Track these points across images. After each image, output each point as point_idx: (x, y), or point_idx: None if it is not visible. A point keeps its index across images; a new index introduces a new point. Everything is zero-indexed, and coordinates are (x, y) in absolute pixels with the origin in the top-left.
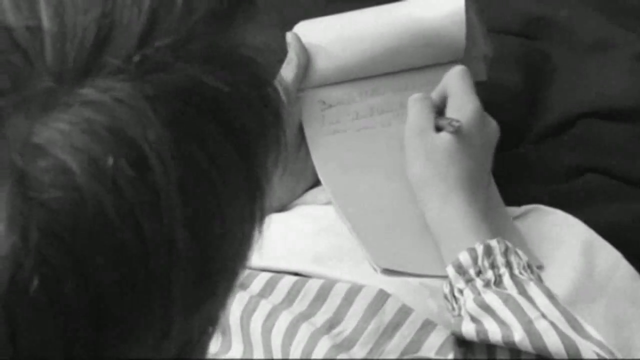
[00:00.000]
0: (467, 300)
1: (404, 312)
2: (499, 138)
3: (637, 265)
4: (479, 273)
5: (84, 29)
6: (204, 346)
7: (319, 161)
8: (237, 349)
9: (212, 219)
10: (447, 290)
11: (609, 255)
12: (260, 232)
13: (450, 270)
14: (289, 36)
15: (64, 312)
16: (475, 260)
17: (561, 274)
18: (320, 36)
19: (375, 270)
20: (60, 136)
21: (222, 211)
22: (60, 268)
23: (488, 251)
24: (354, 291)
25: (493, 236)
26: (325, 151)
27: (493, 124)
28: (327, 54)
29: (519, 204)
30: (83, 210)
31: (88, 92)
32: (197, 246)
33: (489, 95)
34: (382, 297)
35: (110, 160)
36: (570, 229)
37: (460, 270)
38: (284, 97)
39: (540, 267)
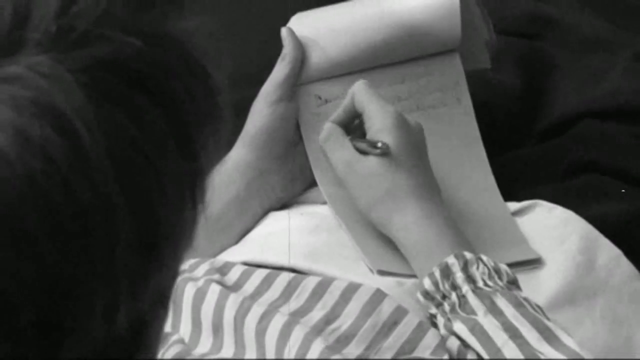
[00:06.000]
0: (440, 326)
1: (401, 312)
2: (500, 138)
3: (637, 263)
4: (444, 297)
5: (0, 8)
6: (157, 328)
7: (314, 159)
8: (228, 350)
9: (145, 180)
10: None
11: (609, 253)
12: (202, 204)
13: (420, 298)
14: (283, 31)
15: (5, 290)
16: (437, 285)
17: (560, 270)
18: (315, 30)
19: (371, 271)
20: None
21: (156, 173)
22: None
23: (445, 273)
24: (351, 289)
25: (458, 243)
26: (321, 149)
27: (415, 124)
28: (321, 48)
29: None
30: (15, 183)
31: (10, 69)
32: (134, 209)
33: (489, 95)
34: (379, 296)
35: (37, 130)
36: (570, 225)
37: (428, 296)
38: (216, 74)
39: (539, 262)
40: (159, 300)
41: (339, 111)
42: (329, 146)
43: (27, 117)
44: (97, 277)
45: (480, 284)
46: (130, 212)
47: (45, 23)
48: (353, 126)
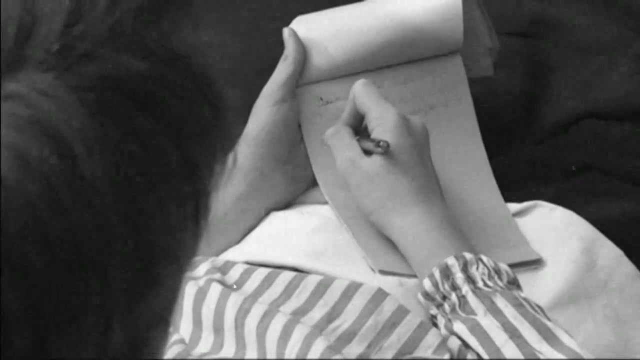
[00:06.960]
0: (440, 326)
1: (402, 311)
2: (500, 138)
3: (638, 263)
4: (444, 298)
5: (4, 26)
6: (156, 346)
7: (315, 160)
8: (229, 350)
9: (145, 201)
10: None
11: (610, 253)
12: (205, 221)
13: (421, 299)
14: (285, 32)
15: None
16: (436, 285)
17: (562, 270)
18: (317, 31)
19: (372, 270)
20: None
21: (157, 194)
22: None
23: (445, 273)
24: (352, 288)
25: (459, 244)
26: (323, 150)
27: (418, 124)
28: (324, 49)
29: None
30: (11, 204)
31: (10, 86)
32: (132, 231)
33: (489, 95)
34: (380, 295)
35: (35, 150)
36: (571, 225)
37: (428, 297)
38: (224, 92)
39: (540, 263)
40: (157, 321)
41: (344, 115)
42: (334, 143)
43: (26, 136)
44: (92, 298)
45: (480, 284)
46: (128, 234)
47: (49, 41)
48: (362, 127)
